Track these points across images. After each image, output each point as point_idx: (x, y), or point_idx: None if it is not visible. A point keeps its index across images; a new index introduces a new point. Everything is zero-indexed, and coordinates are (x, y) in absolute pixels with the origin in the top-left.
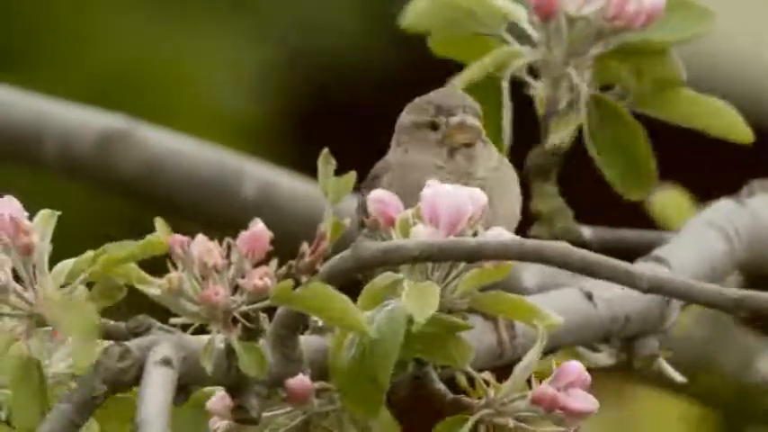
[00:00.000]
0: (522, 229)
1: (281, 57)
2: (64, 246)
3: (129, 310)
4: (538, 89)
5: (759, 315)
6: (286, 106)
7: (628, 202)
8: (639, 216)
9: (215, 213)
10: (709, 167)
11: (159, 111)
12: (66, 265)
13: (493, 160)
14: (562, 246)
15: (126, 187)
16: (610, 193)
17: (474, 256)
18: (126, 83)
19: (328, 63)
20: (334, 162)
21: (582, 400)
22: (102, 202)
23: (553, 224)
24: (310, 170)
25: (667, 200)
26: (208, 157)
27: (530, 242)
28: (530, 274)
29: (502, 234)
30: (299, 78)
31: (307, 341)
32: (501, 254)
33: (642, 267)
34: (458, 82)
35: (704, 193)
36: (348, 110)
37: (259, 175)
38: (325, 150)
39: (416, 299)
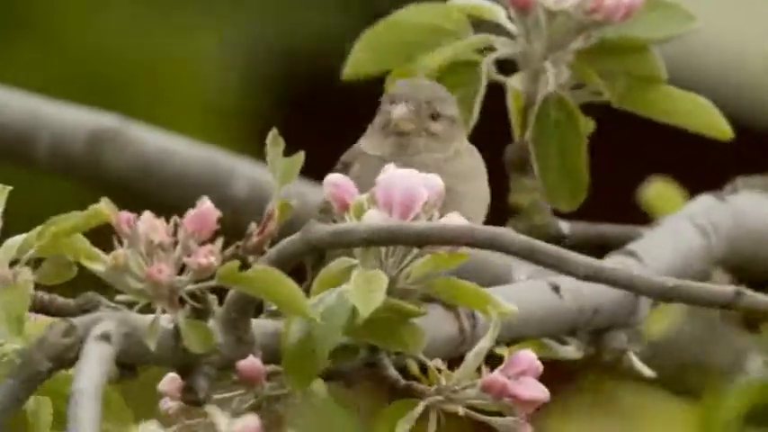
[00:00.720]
0: (501, 222)
1: (269, 54)
2: None
3: (85, 286)
4: (513, 83)
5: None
6: (275, 103)
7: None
8: (632, 210)
9: None
10: (695, 164)
11: (148, 107)
12: (17, 240)
13: (442, 152)
14: (507, 232)
15: (117, 186)
16: (604, 186)
17: (423, 239)
18: (114, 78)
19: (316, 60)
20: (282, 143)
21: (532, 389)
22: (93, 200)
23: (531, 218)
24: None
25: (657, 192)
26: (199, 156)
27: (480, 228)
28: (522, 270)
29: (456, 220)
30: (286, 75)
31: (260, 324)
32: (450, 238)
33: (581, 257)
34: (429, 64)
35: (692, 190)
36: (336, 107)
37: (250, 173)
38: (274, 131)
39: (363, 289)
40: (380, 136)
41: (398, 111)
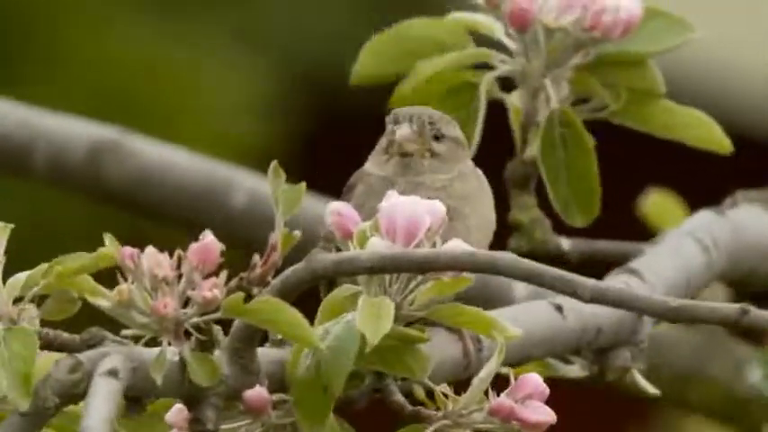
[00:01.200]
0: (502, 240)
1: (284, 76)
2: (55, 255)
3: (90, 321)
4: (513, 100)
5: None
6: (289, 126)
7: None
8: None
9: (205, 224)
10: (694, 177)
11: (156, 122)
12: (20, 277)
13: (448, 172)
14: (510, 257)
15: (116, 198)
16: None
17: (426, 267)
18: (128, 102)
19: (330, 81)
20: (283, 174)
21: (539, 412)
22: (92, 212)
23: (532, 235)
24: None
25: (656, 204)
26: (198, 168)
27: (481, 253)
28: (522, 286)
29: (458, 246)
30: (301, 97)
31: (265, 353)
32: (453, 265)
33: (586, 279)
34: (426, 70)
35: (691, 204)
36: (350, 128)
37: (249, 185)
38: (274, 162)
39: (370, 317)
40: (384, 156)
41: (402, 131)
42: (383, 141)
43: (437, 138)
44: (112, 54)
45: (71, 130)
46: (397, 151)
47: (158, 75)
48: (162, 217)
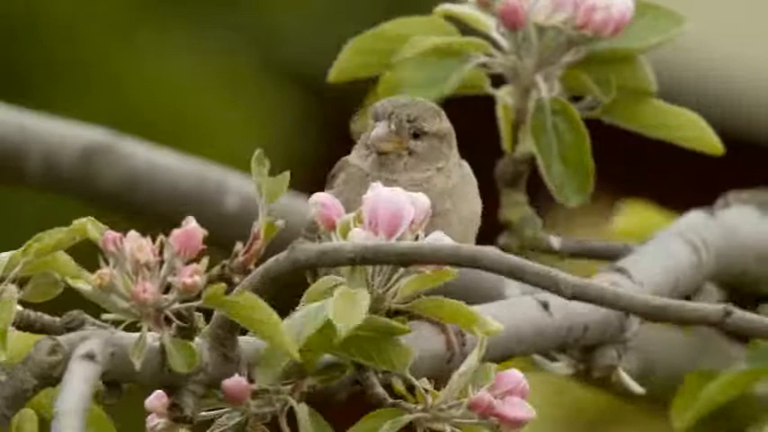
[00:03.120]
0: (492, 238)
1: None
2: None
3: (73, 304)
4: (503, 95)
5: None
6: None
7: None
8: None
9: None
10: (684, 178)
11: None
12: (2, 257)
13: (426, 171)
14: (492, 251)
15: (109, 201)
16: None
17: (408, 258)
18: (135, 121)
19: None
20: (267, 162)
21: (518, 408)
22: (85, 215)
23: (522, 233)
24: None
25: (632, 213)
26: (190, 171)
27: (464, 247)
28: (514, 285)
29: (441, 239)
30: (306, 111)
31: (247, 341)
32: (435, 257)
33: (569, 276)
34: (412, 49)
35: (681, 205)
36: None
37: (241, 188)
38: (259, 151)
39: (344, 308)
40: (365, 151)
41: (377, 131)
42: (365, 136)
43: (416, 135)
44: (116, 67)
45: (64, 134)
46: (374, 149)
47: (162, 87)
48: (154, 219)
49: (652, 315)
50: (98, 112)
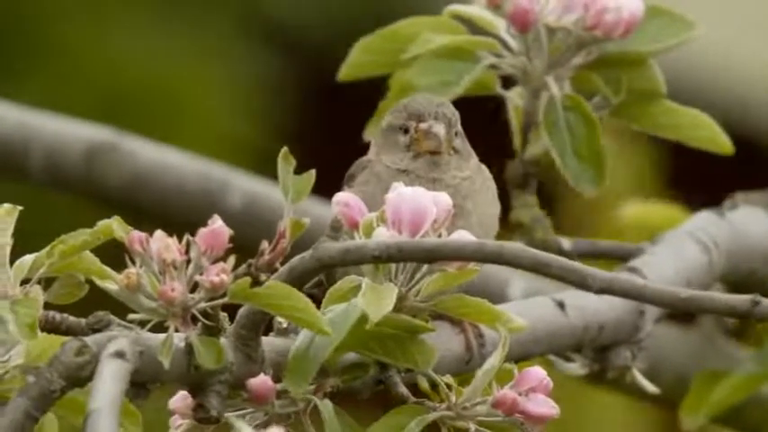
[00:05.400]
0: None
1: (279, 73)
2: None
3: (96, 305)
4: (514, 97)
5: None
6: (284, 125)
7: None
8: None
9: (201, 225)
10: (694, 178)
11: (157, 132)
12: (27, 259)
13: (466, 169)
14: (517, 246)
15: (113, 199)
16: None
17: (433, 256)
18: (123, 103)
19: (324, 79)
20: (293, 161)
21: (542, 405)
22: (89, 214)
23: (533, 234)
24: None
25: (640, 212)
26: (194, 169)
27: (489, 243)
28: (516, 286)
29: (465, 236)
30: (296, 95)
31: (270, 342)
32: (459, 254)
33: (594, 270)
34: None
35: (691, 204)
36: (344, 126)
37: (245, 186)
38: (285, 149)
39: (373, 298)
40: (407, 153)
41: (437, 130)
42: (403, 138)
43: (456, 134)
44: (109, 53)
45: (67, 132)
46: (427, 149)
47: (156, 74)
48: (158, 218)
49: (680, 307)
50: (74, 89)
